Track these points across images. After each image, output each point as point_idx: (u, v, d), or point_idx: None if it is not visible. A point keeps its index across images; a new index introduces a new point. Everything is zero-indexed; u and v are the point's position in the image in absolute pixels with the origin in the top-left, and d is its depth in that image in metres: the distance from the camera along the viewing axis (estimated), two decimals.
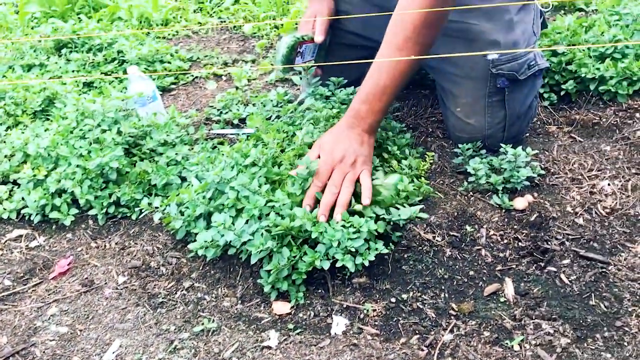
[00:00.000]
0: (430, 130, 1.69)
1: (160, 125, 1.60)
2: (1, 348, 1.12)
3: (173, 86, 2.20)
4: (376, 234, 1.18)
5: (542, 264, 1.20)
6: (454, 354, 1.03)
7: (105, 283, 1.26)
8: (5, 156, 1.56)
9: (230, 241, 1.16)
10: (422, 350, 1.04)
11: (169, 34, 2.79)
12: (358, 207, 1.22)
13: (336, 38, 1.68)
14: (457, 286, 1.17)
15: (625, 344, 1.02)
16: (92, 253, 1.35)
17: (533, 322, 1.08)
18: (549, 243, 1.25)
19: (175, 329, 1.13)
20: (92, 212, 1.43)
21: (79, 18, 2.86)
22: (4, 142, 1.63)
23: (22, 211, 1.45)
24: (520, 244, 1.26)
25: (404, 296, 1.16)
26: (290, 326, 1.11)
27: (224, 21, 2.89)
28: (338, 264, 1.12)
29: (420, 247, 1.26)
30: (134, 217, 1.42)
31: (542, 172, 1.44)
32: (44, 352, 1.11)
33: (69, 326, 1.16)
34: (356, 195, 1.25)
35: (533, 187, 1.41)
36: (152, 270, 1.28)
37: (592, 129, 1.64)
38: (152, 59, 2.31)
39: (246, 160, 1.29)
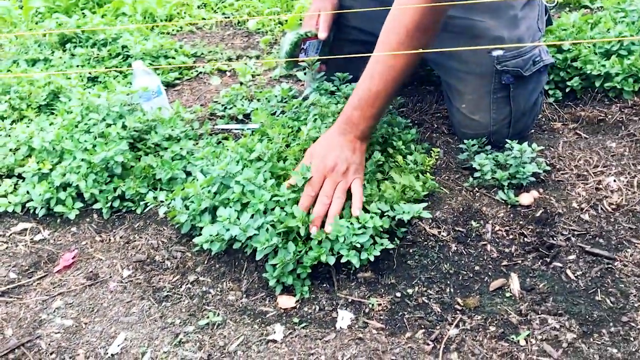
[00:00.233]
0: (436, 126, 1.69)
1: (165, 120, 1.60)
2: (7, 340, 1.12)
3: (177, 81, 2.20)
4: (381, 229, 1.18)
5: (548, 260, 1.20)
6: (459, 348, 1.03)
7: (110, 276, 1.26)
8: (10, 150, 1.56)
9: (236, 235, 1.15)
10: (428, 344, 1.04)
11: (173, 30, 2.79)
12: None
13: (340, 34, 1.68)
14: (463, 281, 1.17)
15: (632, 339, 1.02)
16: (96, 247, 1.35)
17: (539, 317, 1.08)
18: (555, 239, 1.25)
19: (180, 323, 1.13)
20: (96, 206, 1.43)
21: (83, 13, 2.86)
22: (9, 135, 1.64)
23: (27, 205, 1.46)
24: (525, 239, 1.26)
25: (410, 291, 1.16)
26: (296, 320, 1.11)
27: (228, 17, 2.89)
28: (343, 260, 1.12)
29: (426, 242, 1.26)
30: (138, 211, 1.42)
31: (548, 168, 1.44)
32: (49, 344, 1.11)
33: (74, 319, 1.16)
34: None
35: (538, 183, 1.41)
36: (157, 264, 1.28)
37: (598, 126, 1.64)
38: (157, 54, 2.31)
39: (251, 155, 1.29)
